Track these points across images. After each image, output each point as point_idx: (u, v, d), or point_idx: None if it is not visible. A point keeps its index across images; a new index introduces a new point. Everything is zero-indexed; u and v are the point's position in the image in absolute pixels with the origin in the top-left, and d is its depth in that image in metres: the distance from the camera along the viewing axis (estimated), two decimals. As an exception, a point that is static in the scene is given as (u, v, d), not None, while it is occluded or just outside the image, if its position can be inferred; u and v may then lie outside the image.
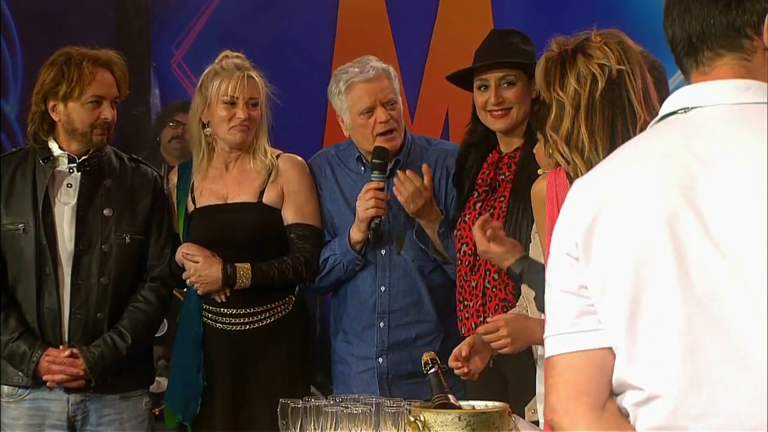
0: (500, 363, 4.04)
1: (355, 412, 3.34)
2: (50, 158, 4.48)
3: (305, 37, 6.55)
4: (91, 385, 4.44)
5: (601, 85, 3.26)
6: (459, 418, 3.17)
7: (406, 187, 4.40)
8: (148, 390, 4.62)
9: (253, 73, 4.59)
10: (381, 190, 4.48)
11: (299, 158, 4.72)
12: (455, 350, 3.76)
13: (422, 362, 3.37)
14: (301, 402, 3.44)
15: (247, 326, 4.55)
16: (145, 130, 6.64)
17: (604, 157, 3.25)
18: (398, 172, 4.45)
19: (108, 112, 4.46)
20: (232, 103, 4.54)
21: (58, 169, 4.48)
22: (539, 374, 3.76)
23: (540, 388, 3.67)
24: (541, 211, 3.41)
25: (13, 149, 4.63)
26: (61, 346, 4.42)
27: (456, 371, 3.73)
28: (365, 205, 4.47)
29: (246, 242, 4.55)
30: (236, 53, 4.64)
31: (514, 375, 4.13)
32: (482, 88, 4.37)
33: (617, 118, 3.25)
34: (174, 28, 6.80)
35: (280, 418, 3.46)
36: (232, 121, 4.54)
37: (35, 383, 4.43)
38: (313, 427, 3.40)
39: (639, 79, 3.31)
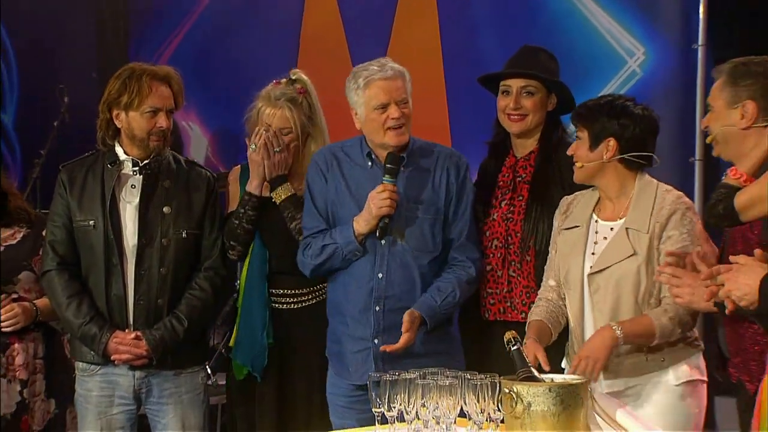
0: None
1: (443, 384, 3.64)
2: (116, 162, 5.02)
3: (269, 53, 7.03)
4: (153, 363, 5.01)
5: None
6: (549, 389, 3.47)
7: None
8: (204, 366, 5.19)
9: None
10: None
11: None
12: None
13: (504, 340, 3.74)
14: (388, 375, 3.78)
15: (293, 305, 5.15)
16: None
17: None
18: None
19: (163, 121, 4.98)
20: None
21: (123, 171, 5.02)
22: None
23: None
24: None
25: (88, 153, 5.12)
26: (126, 329, 4.98)
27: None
28: (380, 203, 4.72)
29: None
30: None
31: None
32: (505, 93, 5.01)
33: None
34: (152, 45, 7.21)
35: (370, 390, 3.79)
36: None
37: (105, 361, 5.00)
38: (400, 398, 3.67)
39: None
